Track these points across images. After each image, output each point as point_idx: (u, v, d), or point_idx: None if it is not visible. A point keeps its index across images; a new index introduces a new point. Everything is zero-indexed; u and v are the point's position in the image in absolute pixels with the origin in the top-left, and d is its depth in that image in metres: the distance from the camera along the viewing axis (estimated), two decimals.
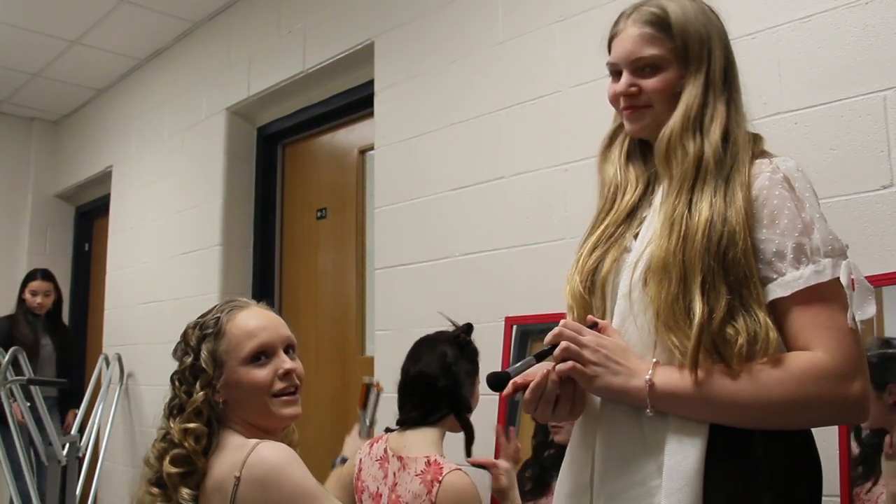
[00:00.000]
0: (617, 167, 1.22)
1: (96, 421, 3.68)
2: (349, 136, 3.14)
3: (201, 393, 1.29)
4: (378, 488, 1.78)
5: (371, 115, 2.75)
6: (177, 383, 1.35)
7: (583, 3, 2.04)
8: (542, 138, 2.15)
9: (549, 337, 1.07)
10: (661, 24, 1.12)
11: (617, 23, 1.18)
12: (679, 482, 0.98)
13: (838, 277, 1.00)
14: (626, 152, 1.23)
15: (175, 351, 1.39)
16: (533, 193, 2.15)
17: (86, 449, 3.49)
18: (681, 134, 1.10)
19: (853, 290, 1.00)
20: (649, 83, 1.13)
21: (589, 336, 1.05)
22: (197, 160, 3.60)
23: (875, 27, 1.55)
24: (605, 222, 1.20)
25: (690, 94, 1.11)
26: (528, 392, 1.07)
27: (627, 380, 1.03)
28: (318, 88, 3.13)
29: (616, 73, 1.17)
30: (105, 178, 4.40)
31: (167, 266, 3.70)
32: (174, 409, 1.32)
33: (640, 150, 1.22)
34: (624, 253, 1.14)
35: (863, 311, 1.00)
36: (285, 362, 1.34)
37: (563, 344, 1.04)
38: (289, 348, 1.37)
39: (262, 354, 1.32)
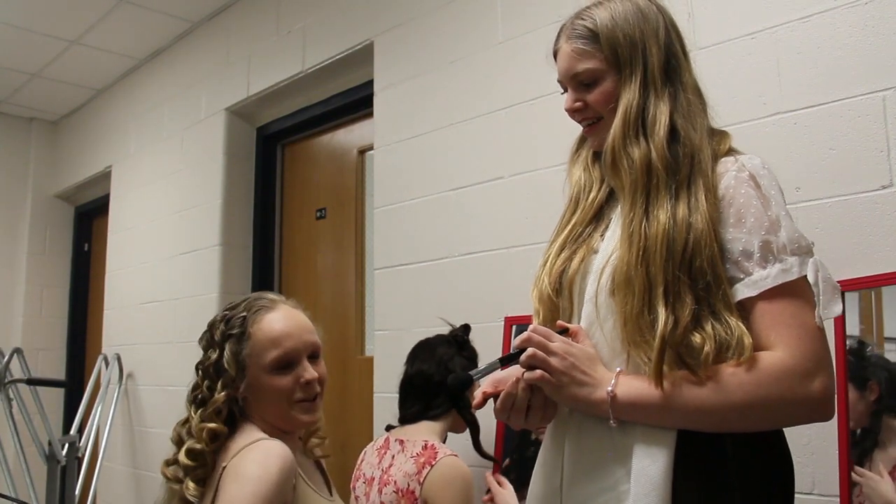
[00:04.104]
0: (583, 168, 1.23)
1: (95, 421, 3.67)
2: (348, 137, 3.14)
3: (223, 393, 1.30)
4: (373, 474, 1.82)
5: (370, 115, 2.75)
6: (200, 374, 1.36)
7: (582, 3, 2.03)
8: (542, 138, 2.15)
9: (517, 341, 1.05)
10: (590, 37, 1.13)
11: (557, 39, 1.19)
12: (647, 486, 0.97)
13: (805, 275, 0.99)
14: (592, 154, 1.23)
15: (201, 339, 1.39)
16: (533, 193, 2.15)
17: (85, 449, 3.49)
18: (623, 140, 1.09)
19: (819, 288, 0.99)
20: (591, 97, 1.14)
21: (557, 343, 1.04)
22: (196, 160, 3.60)
23: (875, 27, 1.55)
24: (573, 222, 1.19)
25: (626, 99, 1.10)
26: (498, 401, 1.06)
27: (591, 391, 1.02)
28: (318, 88, 3.12)
29: (565, 89, 1.19)
30: (104, 178, 4.40)
31: (167, 266, 3.69)
32: (196, 398, 1.34)
33: None
34: (591, 254, 1.13)
35: (829, 309, 0.99)
36: (307, 371, 1.33)
37: (530, 351, 1.03)
38: (313, 354, 1.37)
39: (284, 364, 1.32)
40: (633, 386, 1.01)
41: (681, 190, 1.05)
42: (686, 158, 1.06)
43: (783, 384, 0.96)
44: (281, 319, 1.36)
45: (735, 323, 0.98)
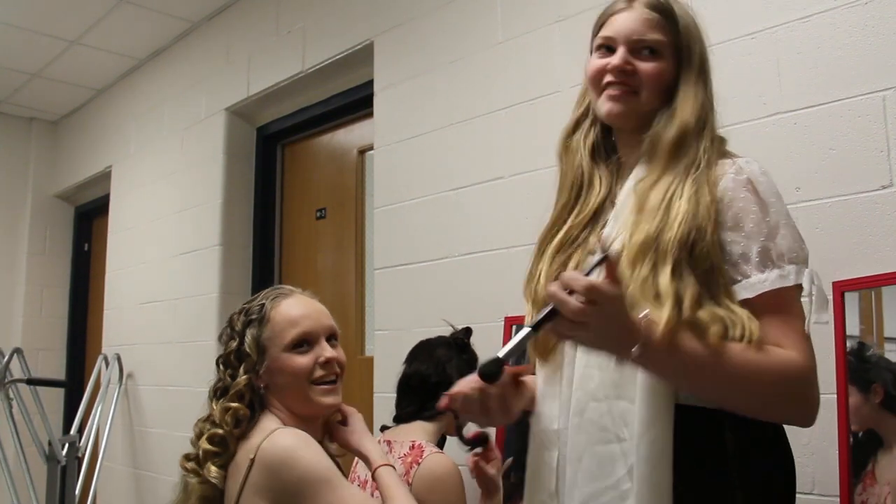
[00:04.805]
0: (580, 157, 1.21)
1: (95, 421, 3.67)
2: (348, 137, 3.14)
3: (245, 377, 1.34)
4: (366, 476, 1.82)
5: (370, 115, 2.75)
6: (221, 367, 1.39)
7: (582, 3, 2.03)
8: (541, 138, 2.14)
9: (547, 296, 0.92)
10: (666, 14, 1.13)
11: (617, 2, 1.18)
12: (649, 485, 0.98)
13: (800, 284, 1.01)
14: (590, 146, 1.21)
15: (220, 336, 1.43)
16: (533, 193, 2.14)
17: (85, 449, 3.49)
18: (696, 133, 1.10)
19: (813, 297, 1.01)
20: (646, 66, 1.12)
21: (579, 303, 0.89)
22: (196, 160, 3.60)
23: (875, 27, 1.55)
24: (569, 223, 1.19)
25: (698, 95, 1.12)
26: (459, 406, 1.11)
27: (630, 336, 0.92)
28: (318, 88, 3.12)
29: (608, 49, 1.15)
30: (104, 178, 4.40)
31: (167, 266, 3.69)
32: (218, 392, 1.37)
33: (605, 146, 1.21)
34: (588, 255, 1.14)
35: (818, 317, 1.02)
36: (326, 350, 1.37)
37: (561, 319, 0.90)
38: (331, 337, 1.40)
39: (304, 342, 1.36)
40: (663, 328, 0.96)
41: (700, 181, 1.07)
42: (704, 153, 1.09)
43: (793, 383, 0.98)
44: (299, 304, 1.40)
45: (738, 308, 1.00)
